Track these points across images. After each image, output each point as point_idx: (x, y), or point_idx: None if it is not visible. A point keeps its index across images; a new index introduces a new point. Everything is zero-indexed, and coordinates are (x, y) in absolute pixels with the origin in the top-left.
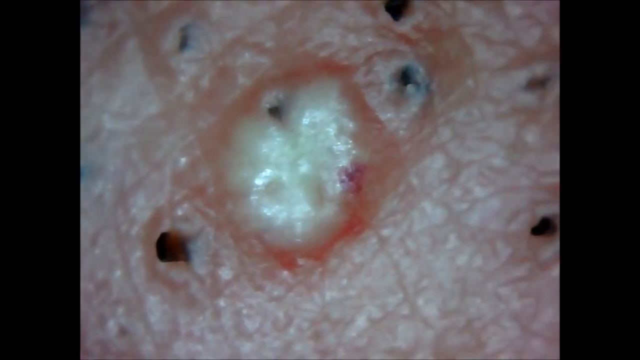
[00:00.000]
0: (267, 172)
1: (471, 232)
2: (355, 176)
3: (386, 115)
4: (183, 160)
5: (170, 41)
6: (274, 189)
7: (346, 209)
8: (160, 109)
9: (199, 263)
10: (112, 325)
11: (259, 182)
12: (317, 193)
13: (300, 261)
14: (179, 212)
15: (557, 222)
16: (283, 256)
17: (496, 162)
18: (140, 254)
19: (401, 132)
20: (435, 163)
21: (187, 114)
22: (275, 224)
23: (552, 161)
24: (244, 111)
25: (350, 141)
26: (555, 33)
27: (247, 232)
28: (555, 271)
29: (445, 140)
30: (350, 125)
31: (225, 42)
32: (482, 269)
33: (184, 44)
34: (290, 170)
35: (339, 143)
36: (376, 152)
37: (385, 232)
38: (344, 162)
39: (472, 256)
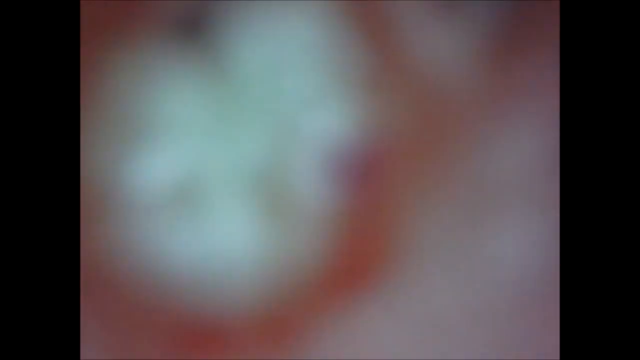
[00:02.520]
0: (170, 155)
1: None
2: (357, 171)
3: (420, 52)
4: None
5: None
6: (188, 193)
7: (338, 240)
8: None
9: None
10: None
11: (158, 175)
12: (279, 206)
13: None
14: None
15: None
16: (210, 339)
17: None
18: None
19: (446, 86)
20: (503, 143)
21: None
22: (191, 275)
23: None
24: (130, 24)
25: (349, 96)
26: None
27: (133, 293)
28: None
29: (525, 101)
30: (351, 63)
31: None
32: None
33: None
34: (222, 154)
35: (325, 101)
36: (399, 121)
37: (409, 282)
38: (335, 143)
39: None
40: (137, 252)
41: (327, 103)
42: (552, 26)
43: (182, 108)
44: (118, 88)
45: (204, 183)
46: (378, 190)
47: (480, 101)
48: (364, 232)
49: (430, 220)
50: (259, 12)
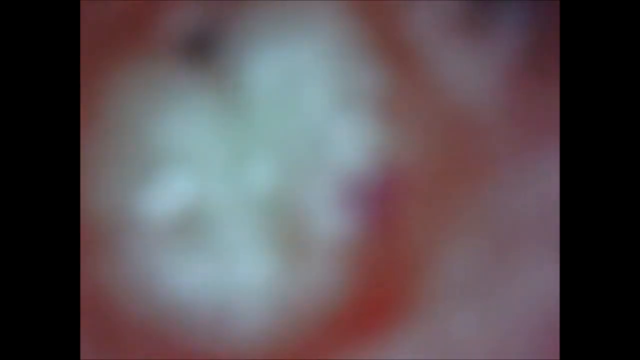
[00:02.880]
0: (180, 183)
1: None
2: (375, 200)
3: (441, 79)
4: None
5: None
6: (198, 224)
7: (355, 274)
8: None
9: None
10: None
11: (167, 204)
12: (293, 238)
13: None
14: None
15: None
16: None
17: None
18: None
19: (468, 112)
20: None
21: None
22: (202, 308)
23: None
24: (136, 45)
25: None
26: None
27: (141, 325)
28: None
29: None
30: (369, 75)
31: None
32: None
33: None
34: (233, 183)
35: (341, 127)
36: (418, 150)
37: (429, 317)
38: (352, 171)
39: None
40: (145, 284)
41: (343, 130)
42: None
43: (191, 134)
44: (124, 113)
45: (214, 213)
46: (396, 221)
47: (503, 131)
48: (382, 265)
49: (451, 253)
50: (272, 35)
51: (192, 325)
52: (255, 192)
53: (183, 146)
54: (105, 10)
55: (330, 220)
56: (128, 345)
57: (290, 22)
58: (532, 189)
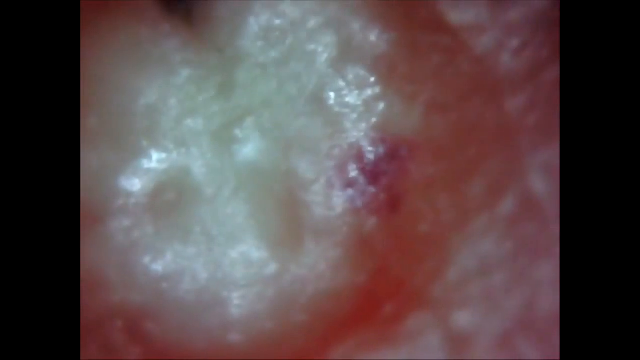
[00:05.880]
0: (160, 156)
1: None
2: (385, 171)
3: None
4: None
5: None
6: (174, 201)
7: (361, 260)
8: None
9: None
10: None
11: (139, 182)
12: (284, 219)
13: None
14: None
15: None
16: None
17: None
18: None
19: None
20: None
21: None
22: (179, 293)
23: None
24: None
25: (375, 71)
26: None
27: (112, 311)
28: None
29: None
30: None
31: None
32: None
33: None
34: (216, 154)
35: (342, 99)
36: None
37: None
38: (356, 134)
39: None
40: (125, 267)
41: (343, 94)
42: None
43: (173, 101)
44: (99, 79)
45: (199, 189)
46: (404, 200)
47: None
48: (387, 250)
49: (464, 238)
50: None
51: (174, 311)
52: (244, 166)
53: (163, 115)
54: None
55: (329, 199)
56: (107, 330)
57: None
58: None
